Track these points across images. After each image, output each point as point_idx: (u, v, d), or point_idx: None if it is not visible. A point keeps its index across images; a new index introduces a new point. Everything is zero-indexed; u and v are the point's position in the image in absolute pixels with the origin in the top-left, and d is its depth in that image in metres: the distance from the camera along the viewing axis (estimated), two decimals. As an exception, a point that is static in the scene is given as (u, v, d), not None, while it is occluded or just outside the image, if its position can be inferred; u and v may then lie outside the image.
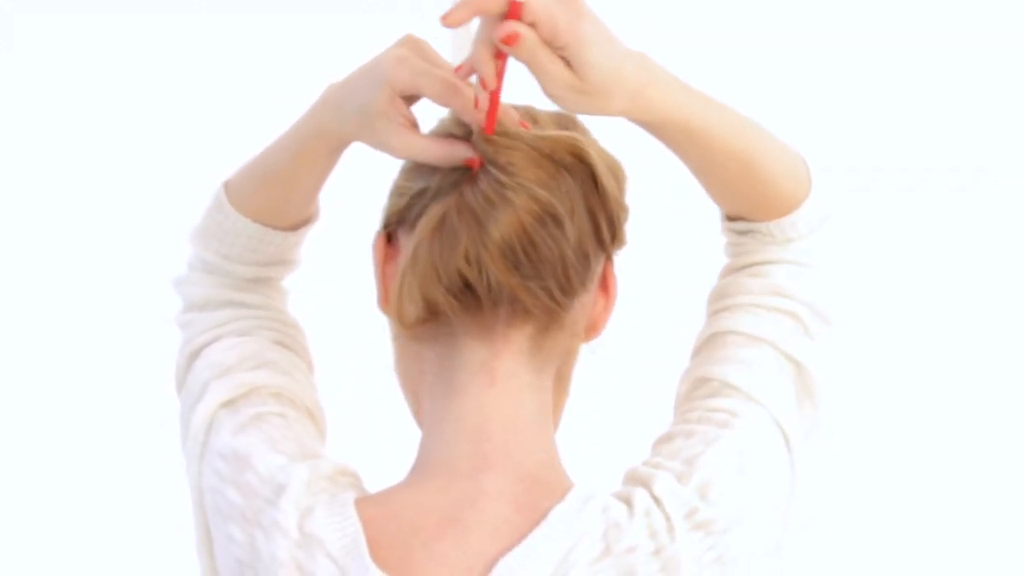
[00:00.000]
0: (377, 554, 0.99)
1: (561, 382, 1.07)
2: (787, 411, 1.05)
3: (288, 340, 1.18)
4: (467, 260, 0.98)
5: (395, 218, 1.06)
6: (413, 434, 1.07)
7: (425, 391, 1.05)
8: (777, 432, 1.04)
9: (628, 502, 1.00)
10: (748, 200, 1.07)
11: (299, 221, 1.17)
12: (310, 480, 1.02)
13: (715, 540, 0.99)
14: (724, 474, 1.00)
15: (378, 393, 2.17)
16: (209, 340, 1.16)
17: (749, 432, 1.03)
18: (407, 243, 1.03)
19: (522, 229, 0.98)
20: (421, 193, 1.03)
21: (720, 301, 1.10)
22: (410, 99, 1.02)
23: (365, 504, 1.02)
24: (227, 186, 1.16)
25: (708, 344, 1.09)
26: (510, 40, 0.94)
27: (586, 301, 1.05)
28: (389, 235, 1.07)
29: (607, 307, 1.08)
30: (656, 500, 0.99)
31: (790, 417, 1.05)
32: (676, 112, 1.00)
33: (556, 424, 1.08)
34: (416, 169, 1.05)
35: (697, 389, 1.08)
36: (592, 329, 1.08)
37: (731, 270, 1.11)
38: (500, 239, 0.98)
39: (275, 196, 1.14)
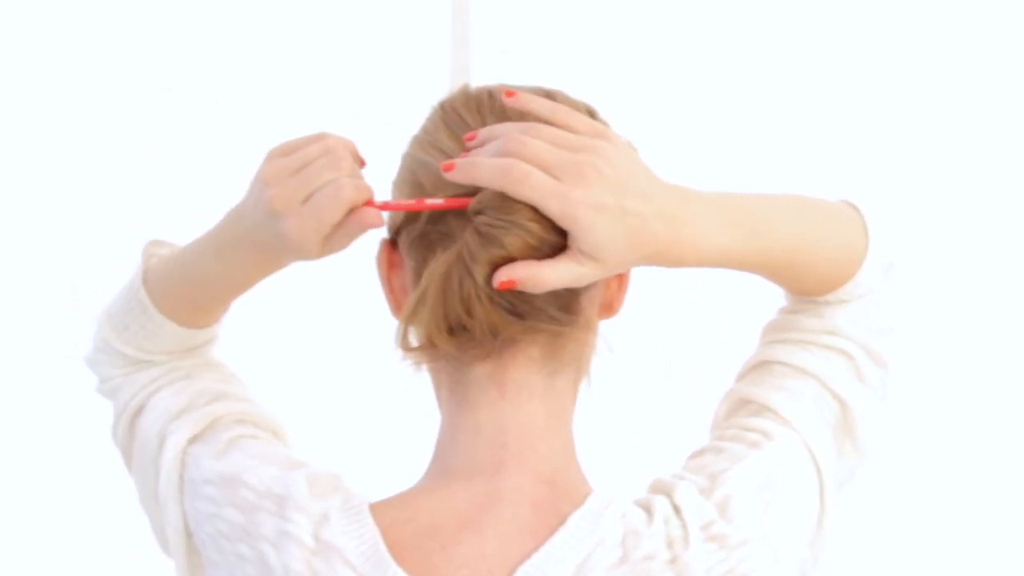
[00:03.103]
0: (396, 557, 0.99)
1: (579, 371, 1.06)
2: (822, 442, 1.06)
3: (229, 378, 1.19)
4: (467, 311, 0.98)
5: (399, 226, 1.05)
6: (414, 436, 1.07)
7: (443, 402, 1.05)
8: (809, 459, 1.05)
9: (648, 509, 1.00)
10: (801, 290, 1.10)
11: (224, 312, 1.18)
12: (311, 486, 1.02)
13: (727, 554, 0.98)
14: (745, 491, 1.00)
15: (380, 396, 2.18)
16: (147, 396, 1.16)
17: (779, 454, 1.04)
18: (410, 259, 1.03)
19: None
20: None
21: (774, 333, 1.11)
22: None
23: (381, 509, 1.02)
24: (149, 288, 1.15)
25: (755, 370, 1.11)
26: (504, 287, 0.95)
27: (594, 294, 1.05)
28: (393, 243, 1.06)
29: (621, 286, 1.07)
30: (676, 509, 0.99)
31: (824, 449, 1.06)
32: (708, 259, 0.98)
33: (574, 404, 1.07)
34: (409, 175, 1.04)
35: (737, 410, 1.09)
36: (608, 309, 1.07)
37: (791, 310, 1.12)
38: (490, 290, 0.97)
39: (211, 303, 1.14)
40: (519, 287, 0.95)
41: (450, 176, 0.96)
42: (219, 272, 1.09)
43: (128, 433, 1.17)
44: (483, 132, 0.97)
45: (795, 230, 1.03)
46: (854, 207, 1.10)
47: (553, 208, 0.93)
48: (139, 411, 1.16)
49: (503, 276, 0.95)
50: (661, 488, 1.02)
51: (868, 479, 2.25)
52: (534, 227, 0.96)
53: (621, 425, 2.19)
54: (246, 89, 2.29)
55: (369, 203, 0.98)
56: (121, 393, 1.18)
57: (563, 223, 0.94)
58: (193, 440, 1.11)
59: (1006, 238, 2.29)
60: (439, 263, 0.98)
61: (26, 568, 2.28)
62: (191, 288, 1.13)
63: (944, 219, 2.29)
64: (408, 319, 0.99)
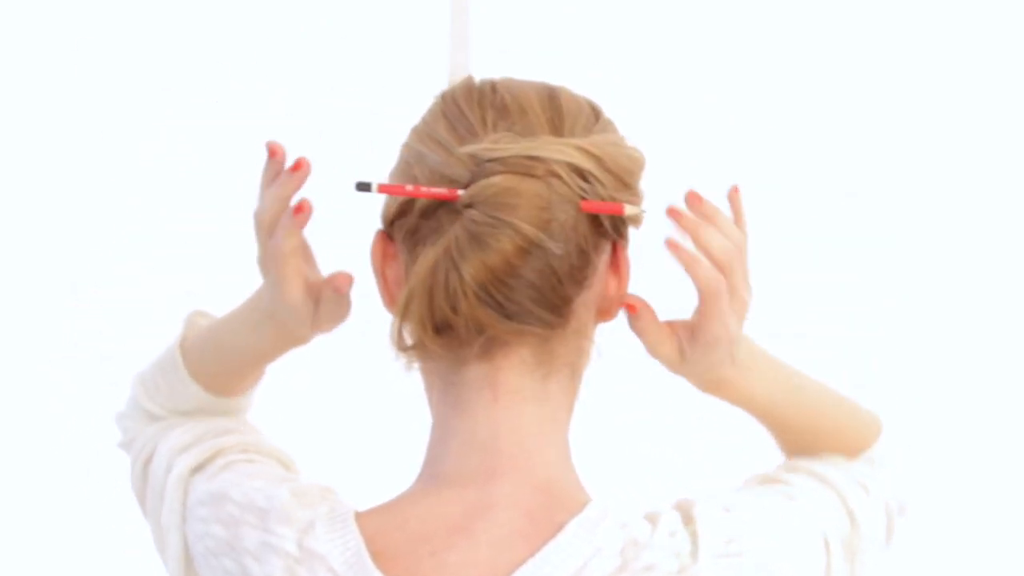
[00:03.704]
0: (383, 565, 0.98)
1: (573, 380, 1.05)
2: (834, 542, 1.07)
3: (243, 423, 1.20)
4: (453, 310, 0.97)
5: (392, 218, 1.03)
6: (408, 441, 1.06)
7: (434, 403, 1.04)
8: (822, 548, 1.05)
9: (654, 521, 0.98)
10: (819, 450, 1.15)
11: (254, 384, 1.20)
12: (296, 497, 1.02)
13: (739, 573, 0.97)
14: (768, 517, 1.02)
15: (374, 400, 2.18)
16: (158, 440, 1.17)
17: (805, 515, 1.06)
18: (402, 252, 1.02)
19: (494, 274, 0.96)
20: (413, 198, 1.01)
21: (796, 457, 1.16)
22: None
23: (368, 516, 1.00)
24: (184, 350, 1.18)
25: (780, 466, 1.14)
26: (632, 309, 1.03)
27: (589, 298, 1.02)
28: (388, 234, 1.04)
29: (620, 289, 1.04)
30: (688, 522, 0.98)
31: (835, 549, 1.07)
32: (743, 402, 1.09)
33: (570, 412, 1.06)
34: (405, 166, 1.03)
35: (761, 475, 1.12)
36: (606, 312, 1.05)
37: None
38: (476, 288, 0.96)
39: (236, 370, 1.17)
40: (633, 314, 1.04)
41: (674, 250, 1.02)
42: (243, 341, 1.14)
43: (142, 478, 1.18)
44: (708, 209, 1.03)
45: (820, 397, 1.14)
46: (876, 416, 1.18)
47: (717, 330, 1.03)
48: (151, 455, 1.17)
49: (633, 300, 1.04)
50: (681, 503, 1.01)
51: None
52: (527, 228, 0.95)
53: (620, 433, 2.19)
54: (246, 89, 2.29)
55: (383, 188, 1.02)
56: (136, 443, 1.20)
57: (708, 337, 1.03)
58: (195, 470, 1.12)
59: (1008, 242, 2.29)
60: (426, 259, 0.97)
61: (26, 568, 2.28)
62: (218, 353, 1.16)
63: (946, 219, 2.28)
64: (401, 318, 0.99)
